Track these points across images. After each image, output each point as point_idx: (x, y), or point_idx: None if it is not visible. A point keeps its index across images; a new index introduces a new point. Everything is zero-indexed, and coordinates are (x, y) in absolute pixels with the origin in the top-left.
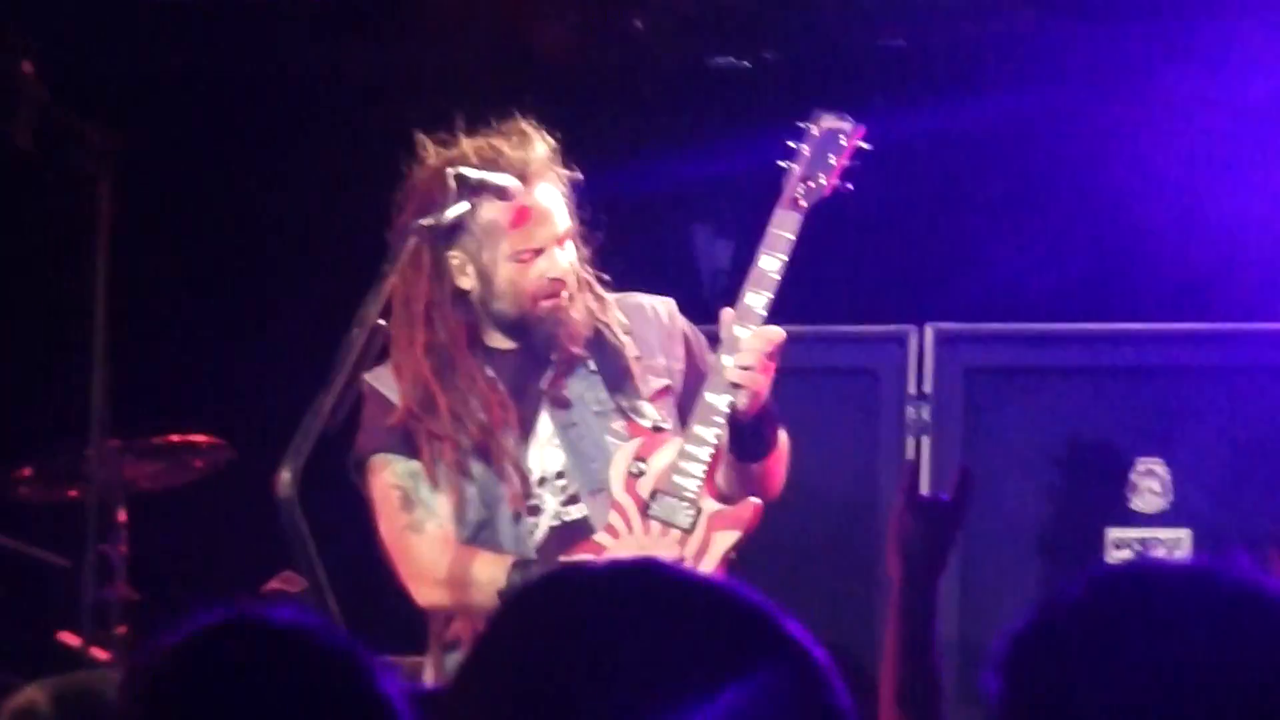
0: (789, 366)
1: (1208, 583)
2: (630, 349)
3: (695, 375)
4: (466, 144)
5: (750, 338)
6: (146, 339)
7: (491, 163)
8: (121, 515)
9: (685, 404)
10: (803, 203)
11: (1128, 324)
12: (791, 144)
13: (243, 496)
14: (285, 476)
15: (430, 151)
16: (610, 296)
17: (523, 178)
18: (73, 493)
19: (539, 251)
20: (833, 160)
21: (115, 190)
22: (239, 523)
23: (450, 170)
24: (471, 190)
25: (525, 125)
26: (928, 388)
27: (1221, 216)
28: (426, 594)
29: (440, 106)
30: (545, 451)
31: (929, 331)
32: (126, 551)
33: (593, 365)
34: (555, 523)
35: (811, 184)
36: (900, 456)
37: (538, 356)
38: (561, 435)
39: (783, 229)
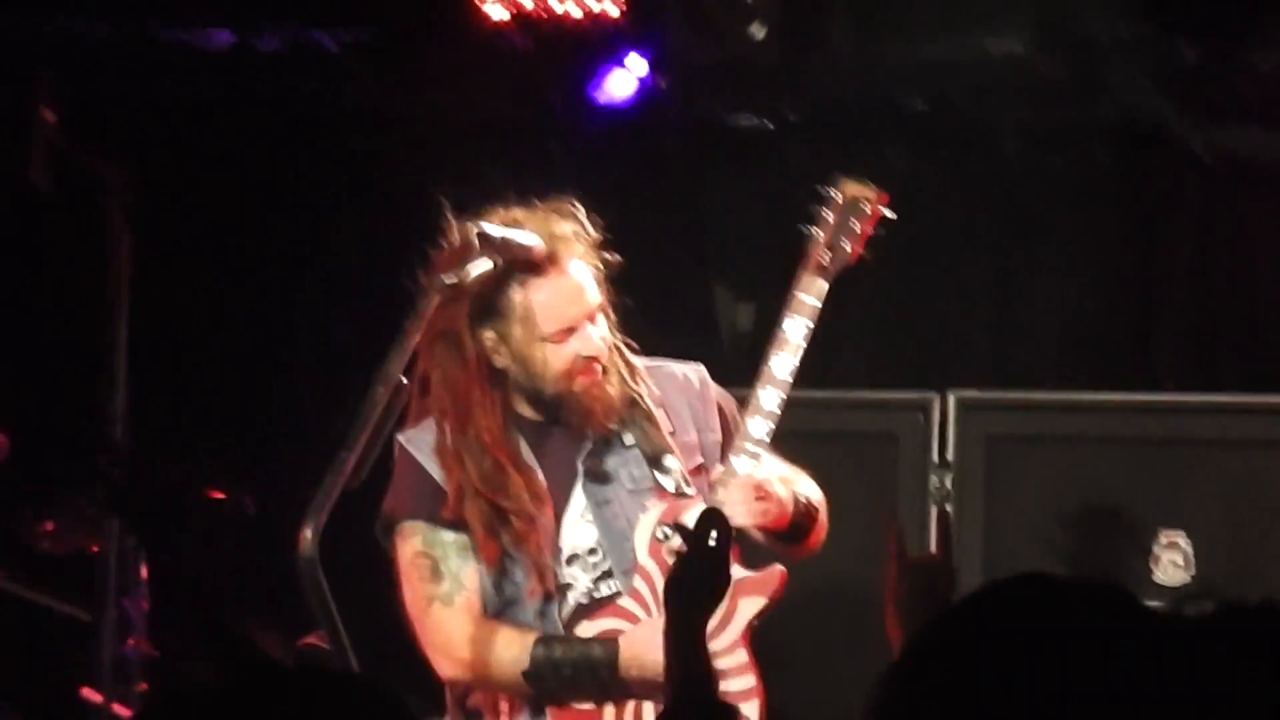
0: (812, 430)
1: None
2: (664, 423)
3: (730, 443)
4: (495, 217)
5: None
6: (167, 395)
7: (528, 255)
8: (143, 570)
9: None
10: (828, 268)
11: (1151, 394)
12: (815, 209)
13: (264, 552)
14: (306, 534)
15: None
16: (641, 363)
17: (552, 253)
18: (94, 547)
19: (571, 330)
20: (857, 227)
21: (132, 235)
22: (262, 578)
23: (473, 227)
24: (495, 248)
25: (560, 202)
26: (950, 455)
27: (1239, 283)
28: (449, 668)
29: (463, 154)
30: (578, 528)
31: (951, 398)
32: (147, 607)
33: (628, 439)
34: (585, 600)
35: (836, 250)
36: (923, 524)
37: (572, 431)
38: (595, 512)
39: (807, 294)
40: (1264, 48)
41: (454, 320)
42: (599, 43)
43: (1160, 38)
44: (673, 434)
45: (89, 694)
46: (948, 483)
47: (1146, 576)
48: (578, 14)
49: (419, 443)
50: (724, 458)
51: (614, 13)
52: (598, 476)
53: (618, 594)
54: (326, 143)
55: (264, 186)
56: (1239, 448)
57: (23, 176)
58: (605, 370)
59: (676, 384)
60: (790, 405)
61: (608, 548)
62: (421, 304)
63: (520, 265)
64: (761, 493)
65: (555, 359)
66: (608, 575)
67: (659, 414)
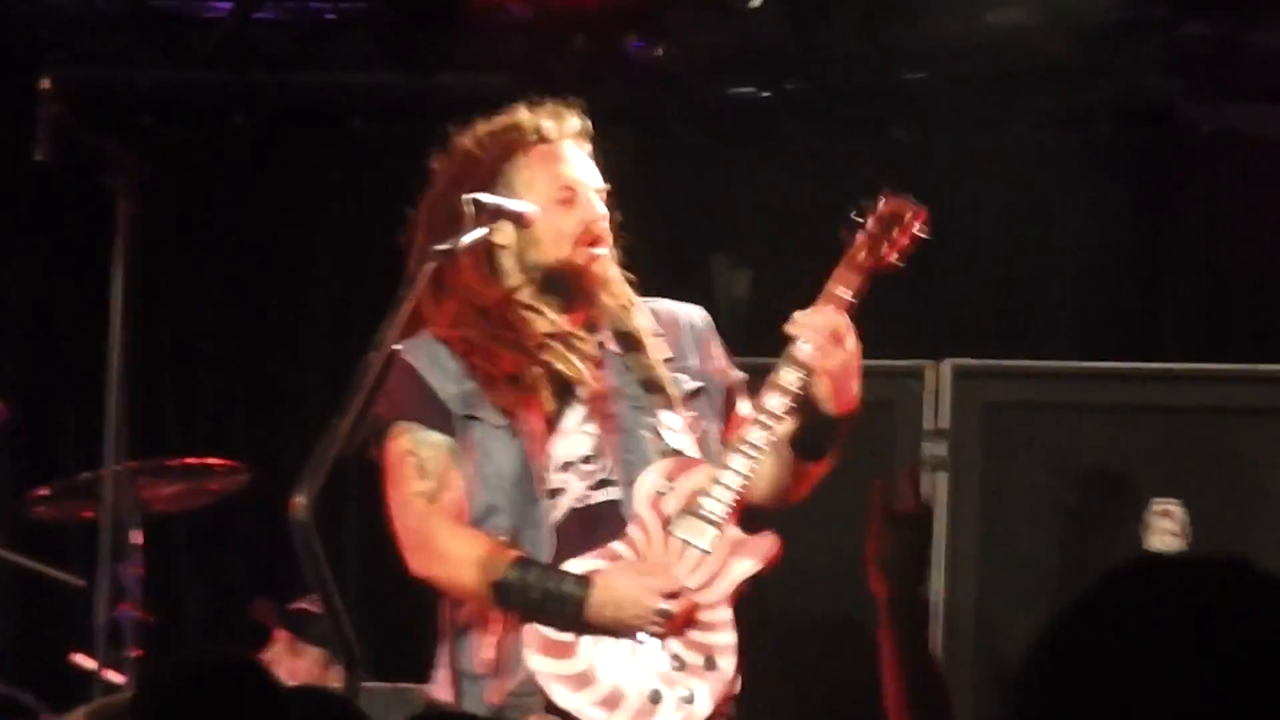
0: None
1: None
2: (661, 350)
3: (725, 383)
4: (481, 126)
5: (810, 316)
6: (163, 361)
7: (511, 136)
8: (137, 537)
9: (722, 408)
10: (863, 266)
11: (1147, 363)
12: (856, 217)
13: (258, 520)
14: (301, 500)
15: (450, 148)
16: (639, 300)
17: (551, 135)
18: (88, 513)
19: (573, 195)
20: (895, 237)
21: (135, 211)
22: (254, 545)
23: (466, 196)
24: (489, 215)
25: (554, 105)
26: (945, 423)
27: (1242, 256)
28: (423, 564)
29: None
30: (573, 437)
31: (946, 366)
32: (142, 573)
33: (627, 361)
34: (579, 505)
35: (873, 254)
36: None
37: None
38: (593, 422)
39: (843, 288)
40: (1270, 26)
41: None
42: (600, 15)
43: (1166, 15)
44: (670, 360)
45: (81, 659)
46: (942, 450)
47: (1139, 544)
48: None
49: (415, 351)
50: (732, 395)
51: None
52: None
53: (617, 502)
54: (327, 120)
55: (267, 160)
56: (1236, 415)
57: (27, 152)
58: (609, 259)
59: (674, 318)
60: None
61: (606, 457)
62: (414, 272)
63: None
64: (839, 337)
65: (561, 221)
66: (606, 484)
67: (656, 341)
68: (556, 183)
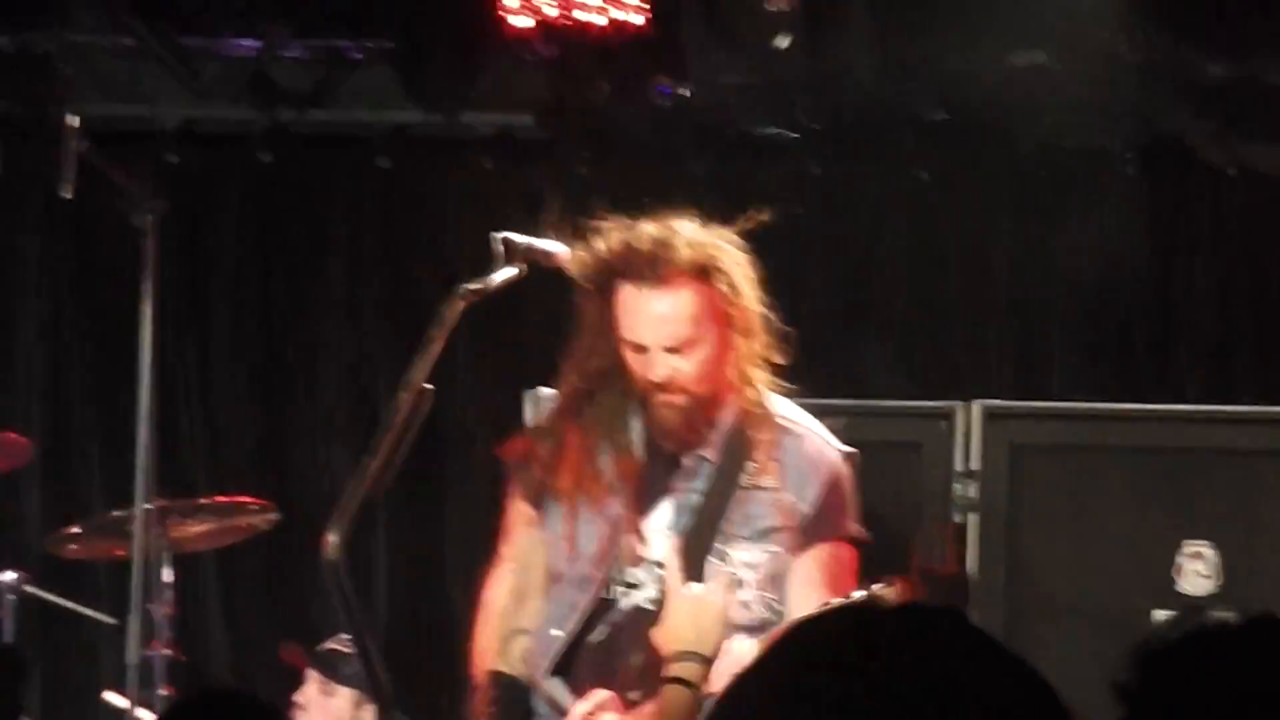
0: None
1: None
2: (768, 479)
3: (826, 526)
4: (616, 238)
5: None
6: (190, 400)
7: (630, 259)
8: (167, 575)
9: (807, 539)
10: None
11: (1176, 404)
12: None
13: (287, 558)
14: (332, 539)
15: (591, 242)
16: (784, 417)
17: (657, 278)
18: (119, 551)
19: (643, 349)
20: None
21: (162, 245)
22: (283, 584)
23: (497, 235)
24: (520, 254)
25: (679, 222)
26: (975, 464)
27: (1259, 296)
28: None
29: (483, 167)
30: (655, 537)
31: (976, 408)
32: (173, 611)
33: (719, 472)
34: (649, 606)
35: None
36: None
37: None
38: (673, 530)
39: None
40: None
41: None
42: (623, 52)
43: (1187, 56)
44: (775, 489)
45: (113, 697)
46: (971, 491)
47: (1169, 586)
48: (602, 22)
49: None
50: (815, 536)
51: (638, 21)
52: (680, 500)
53: (650, 609)
54: (351, 156)
55: (291, 196)
56: (1260, 457)
57: (53, 188)
58: (699, 403)
59: (800, 447)
60: (816, 415)
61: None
62: (444, 311)
63: (545, 271)
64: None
65: (634, 364)
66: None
67: (771, 464)
68: (626, 333)
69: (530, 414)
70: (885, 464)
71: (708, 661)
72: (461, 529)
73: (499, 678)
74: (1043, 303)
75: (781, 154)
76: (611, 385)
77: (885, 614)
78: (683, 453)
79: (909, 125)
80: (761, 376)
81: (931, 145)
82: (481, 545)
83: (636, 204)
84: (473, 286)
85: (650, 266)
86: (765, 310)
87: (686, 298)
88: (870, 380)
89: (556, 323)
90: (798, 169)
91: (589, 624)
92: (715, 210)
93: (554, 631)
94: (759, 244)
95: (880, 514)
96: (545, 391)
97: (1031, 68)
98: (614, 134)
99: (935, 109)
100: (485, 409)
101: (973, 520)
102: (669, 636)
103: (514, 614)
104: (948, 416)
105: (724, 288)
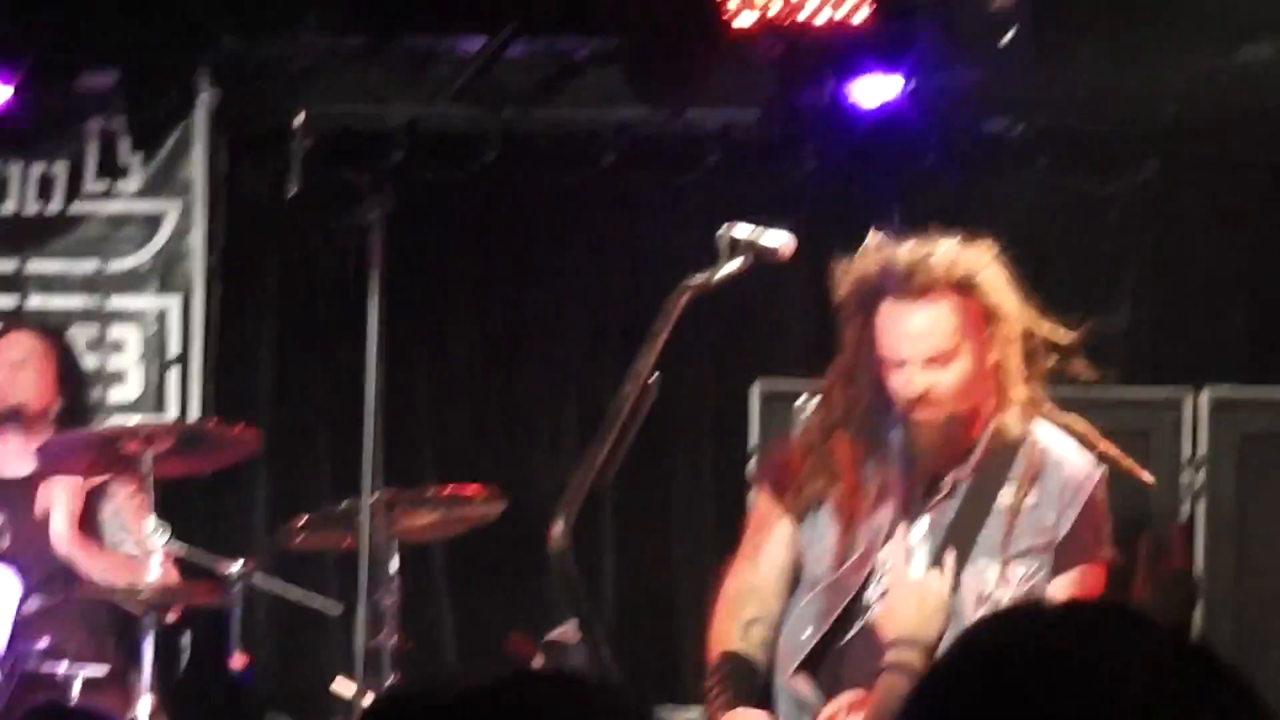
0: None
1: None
2: (1026, 499)
3: (1080, 549)
4: (875, 257)
5: None
6: (417, 390)
7: (889, 275)
8: (394, 565)
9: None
10: None
11: None
12: None
13: (515, 548)
14: (559, 528)
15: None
16: (1043, 438)
17: (915, 292)
18: (346, 542)
19: (901, 364)
20: None
21: (387, 242)
22: (509, 574)
23: (721, 229)
24: (744, 248)
25: (937, 238)
26: (1202, 452)
27: None
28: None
29: (708, 163)
30: (910, 551)
31: (1204, 396)
32: (400, 601)
33: (977, 490)
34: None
35: None
36: (1173, 520)
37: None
38: (928, 546)
39: None
40: None
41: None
42: (847, 49)
43: None
44: (1035, 510)
45: (341, 686)
46: (1199, 480)
47: None
48: (824, 19)
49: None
50: (1069, 558)
51: (862, 16)
52: (937, 518)
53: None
54: (577, 155)
55: (517, 195)
56: None
57: (282, 188)
58: (959, 420)
59: (1063, 473)
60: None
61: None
62: (669, 304)
63: (768, 265)
64: None
65: (891, 380)
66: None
67: (1030, 488)
68: (883, 349)
69: (794, 424)
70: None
71: (929, 650)
72: (686, 518)
73: (734, 658)
74: (1275, 290)
75: (1008, 152)
76: (874, 403)
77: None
78: (942, 470)
79: (1136, 123)
80: (1022, 393)
81: (1161, 140)
82: (706, 533)
83: (872, 200)
84: (697, 280)
85: (909, 281)
86: (1029, 324)
87: (945, 311)
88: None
89: (781, 315)
90: (1025, 166)
91: (840, 627)
92: (942, 209)
93: (806, 633)
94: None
95: (1110, 503)
96: (807, 401)
97: (1262, 62)
98: (837, 131)
99: (1163, 107)
100: (710, 400)
101: (1200, 509)
102: (891, 624)
103: (754, 606)
104: (1176, 405)
105: (984, 301)
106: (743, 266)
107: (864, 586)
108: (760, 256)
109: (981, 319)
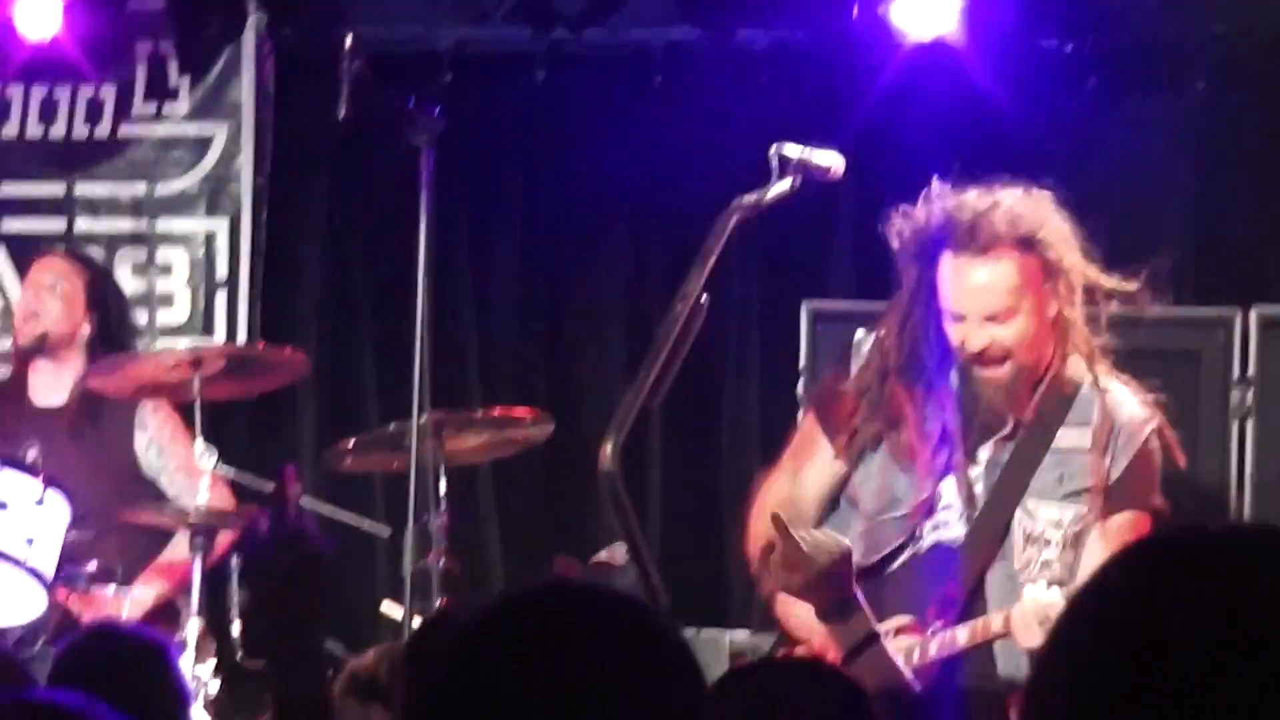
0: (1114, 349)
1: None
2: (1082, 442)
3: (1131, 495)
4: (937, 207)
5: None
6: (464, 312)
7: (952, 228)
8: (443, 487)
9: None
10: None
11: None
12: None
13: (563, 470)
14: (608, 450)
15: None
16: (1102, 384)
17: (978, 247)
18: (396, 464)
19: (962, 318)
20: None
21: (437, 164)
22: (555, 496)
23: (772, 148)
24: (795, 168)
25: (1001, 190)
26: (1252, 371)
27: None
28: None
29: (759, 82)
30: (965, 487)
31: (1254, 314)
32: (448, 523)
33: (1034, 431)
34: (948, 543)
35: None
36: (1224, 441)
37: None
38: (985, 484)
39: None
40: None
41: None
42: None
43: None
44: (1089, 454)
45: (390, 608)
46: (1249, 399)
47: None
48: None
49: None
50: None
51: None
52: (993, 458)
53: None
54: (627, 76)
55: (566, 116)
56: None
57: (331, 109)
58: (1014, 374)
59: (1119, 418)
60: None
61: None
62: (719, 224)
63: (818, 184)
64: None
65: (953, 334)
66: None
67: (1086, 431)
68: (951, 303)
69: (848, 357)
70: (1163, 373)
71: None
72: (735, 440)
73: (780, 520)
74: None
75: (1059, 71)
76: (933, 351)
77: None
78: (1002, 418)
79: (1189, 41)
80: (1083, 346)
81: (1210, 58)
82: (754, 455)
83: (923, 121)
84: (748, 199)
85: (971, 236)
86: (1091, 276)
87: (1007, 268)
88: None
89: (831, 235)
90: (1077, 84)
91: (892, 557)
92: (994, 132)
93: (855, 556)
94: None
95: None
96: (864, 335)
97: None
98: (887, 51)
99: (1214, 23)
100: (757, 321)
101: (1249, 428)
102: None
103: (792, 517)
104: (1226, 324)
105: (1046, 256)
106: (793, 186)
107: (921, 523)
108: (811, 175)
109: (1042, 274)
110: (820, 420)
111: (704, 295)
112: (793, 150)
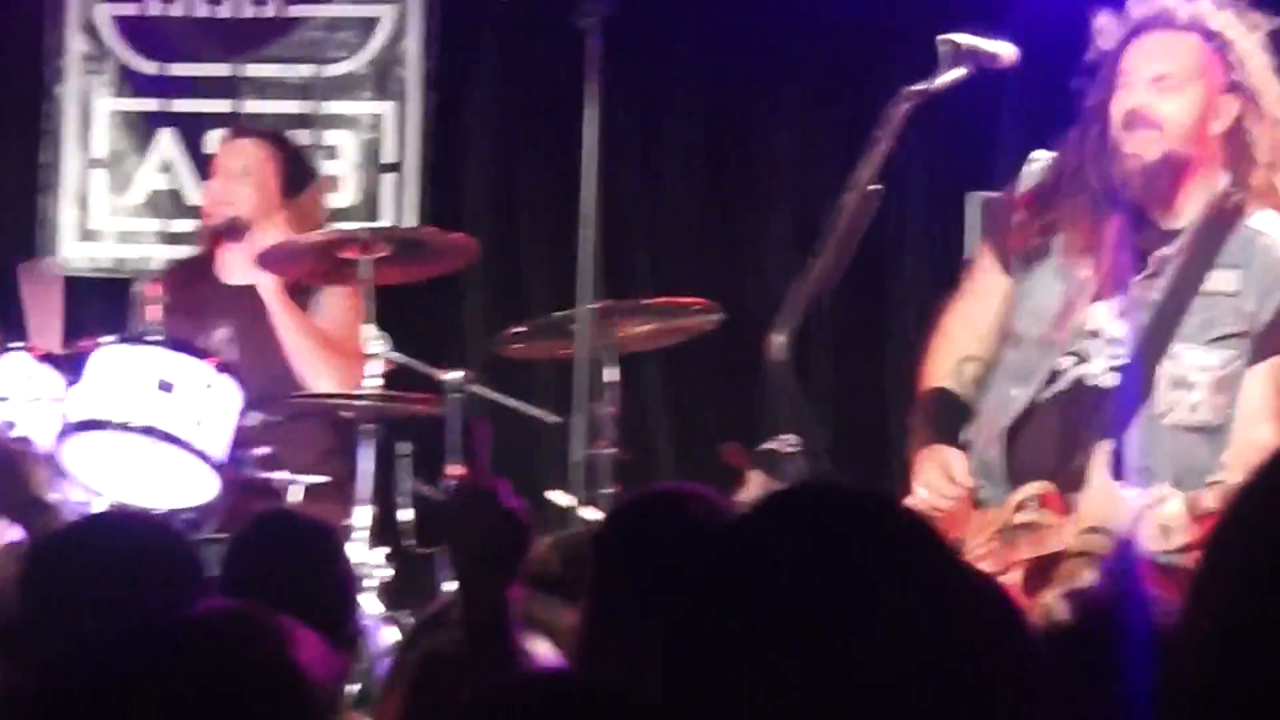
0: None
1: None
2: (1231, 284)
3: (1276, 339)
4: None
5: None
6: (632, 199)
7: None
8: (611, 375)
9: (1261, 349)
10: None
11: None
12: None
13: (732, 359)
14: (779, 340)
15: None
16: (1256, 223)
17: (1167, 24)
18: (564, 351)
19: (1128, 83)
20: None
21: (605, 48)
22: (724, 385)
23: (940, 37)
24: (965, 56)
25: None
26: None
27: None
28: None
29: None
30: (1113, 322)
31: None
32: (616, 411)
33: (1182, 272)
34: (1086, 380)
35: None
36: None
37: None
38: (1130, 322)
39: None
40: None
41: None
42: None
43: None
44: (1238, 296)
45: (558, 496)
46: None
47: None
48: None
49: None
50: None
51: None
52: (1151, 284)
53: (1109, 391)
54: None
55: (731, 3)
56: None
57: None
58: (1163, 157)
59: (1272, 260)
60: None
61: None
62: (890, 113)
63: (989, 72)
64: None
65: (1116, 103)
66: (1116, 370)
67: (1237, 272)
68: (1126, 61)
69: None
70: None
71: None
72: (902, 328)
73: (942, 395)
74: None
75: None
76: (1105, 162)
77: None
78: (1148, 218)
79: None
80: (1262, 179)
81: None
82: (922, 345)
83: None
84: (917, 88)
85: (1165, 18)
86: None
87: (1190, 44)
88: None
89: (998, 125)
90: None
91: (1046, 388)
92: None
93: (1014, 391)
94: None
95: None
96: (1038, 155)
97: None
98: None
99: None
100: (928, 210)
101: None
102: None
103: (972, 344)
104: None
105: (1233, 64)
106: (964, 74)
107: (1066, 342)
108: (981, 64)
109: (1224, 82)
110: (990, 239)
111: (875, 185)
112: (963, 38)
